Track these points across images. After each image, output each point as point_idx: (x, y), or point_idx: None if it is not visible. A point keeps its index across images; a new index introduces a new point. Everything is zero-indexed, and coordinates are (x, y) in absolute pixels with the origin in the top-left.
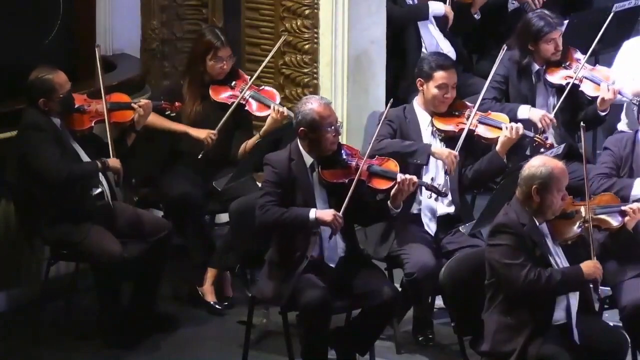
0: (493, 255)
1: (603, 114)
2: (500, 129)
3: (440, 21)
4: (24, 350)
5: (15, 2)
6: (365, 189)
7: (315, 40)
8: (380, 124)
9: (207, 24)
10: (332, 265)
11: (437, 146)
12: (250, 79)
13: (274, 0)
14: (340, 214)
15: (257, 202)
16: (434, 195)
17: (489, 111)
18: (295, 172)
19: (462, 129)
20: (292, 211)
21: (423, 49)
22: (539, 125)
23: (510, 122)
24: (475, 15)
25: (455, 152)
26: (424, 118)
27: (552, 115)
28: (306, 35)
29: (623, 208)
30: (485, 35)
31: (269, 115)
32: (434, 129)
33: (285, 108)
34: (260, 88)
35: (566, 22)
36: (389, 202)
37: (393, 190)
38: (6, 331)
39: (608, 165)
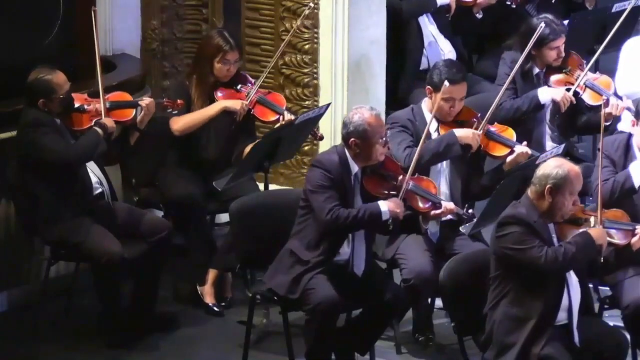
0: (505, 244)
1: (607, 123)
2: (508, 146)
3: (441, 19)
4: (24, 350)
5: (15, 2)
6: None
7: (315, 40)
8: (392, 132)
9: (207, 24)
10: (359, 274)
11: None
12: (255, 83)
13: (274, 0)
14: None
15: (321, 207)
16: None
17: (496, 123)
18: (344, 178)
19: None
20: (364, 210)
21: (424, 50)
22: (561, 103)
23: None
24: (478, 15)
25: (479, 132)
26: (432, 123)
27: (570, 94)
28: (306, 35)
29: (632, 228)
30: (486, 35)
31: (276, 120)
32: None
33: (293, 115)
34: (268, 92)
35: (566, 22)
36: (420, 218)
37: (433, 213)
38: (6, 331)
39: (610, 169)
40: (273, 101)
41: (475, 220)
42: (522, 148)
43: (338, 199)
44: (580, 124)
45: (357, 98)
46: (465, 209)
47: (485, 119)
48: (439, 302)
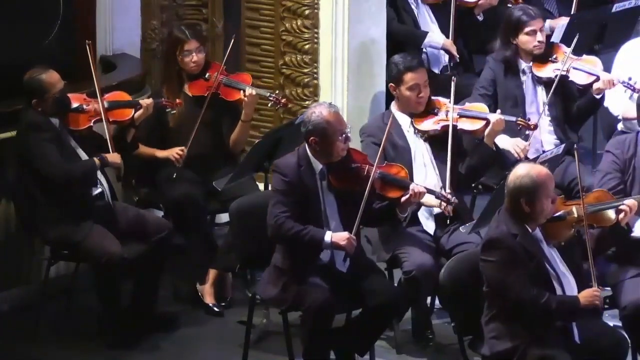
0: (487, 270)
1: (598, 96)
2: (482, 119)
3: (442, 19)
4: (24, 350)
5: (15, 2)
6: (376, 196)
7: (315, 40)
8: (362, 144)
9: (207, 24)
10: (344, 270)
11: (422, 148)
12: (221, 66)
13: (274, 0)
14: (354, 230)
15: (269, 211)
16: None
17: (466, 103)
18: (304, 179)
19: (445, 127)
20: (307, 231)
21: (423, 50)
22: (514, 153)
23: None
24: (479, 17)
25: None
26: (404, 121)
27: (525, 144)
28: (306, 35)
29: (617, 205)
30: (487, 36)
31: (240, 99)
32: (416, 130)
33: (255, 89)
34: (233, 73)
35: (566, 22)
36: (396, 208)
37: (403, 199)
38: (6, 331)
39: (613, 176)
40: (236, 79)
41: (475, 221)
42: (494, 117)
43: (290, 204)
44: (574, 112)
45: (357, 98)
46: (440, 190)
47: (451, 101)
48: (439, 302)
